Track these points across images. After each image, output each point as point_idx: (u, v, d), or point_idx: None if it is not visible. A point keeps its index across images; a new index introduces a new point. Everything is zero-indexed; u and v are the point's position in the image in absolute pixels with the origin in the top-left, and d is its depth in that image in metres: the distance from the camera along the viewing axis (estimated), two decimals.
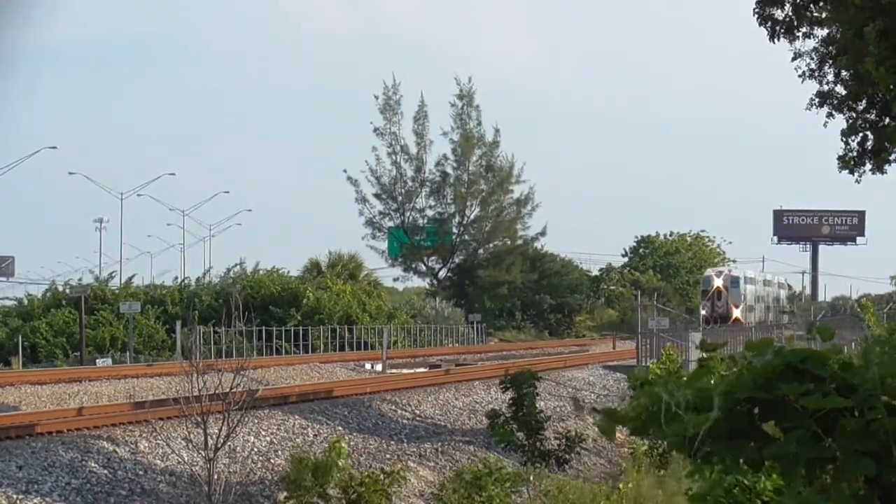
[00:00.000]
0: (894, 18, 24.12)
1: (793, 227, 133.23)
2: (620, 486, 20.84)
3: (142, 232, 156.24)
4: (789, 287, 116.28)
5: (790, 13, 26.67)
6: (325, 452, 19.18)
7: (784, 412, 3.15)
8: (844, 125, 27.57)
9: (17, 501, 17.60)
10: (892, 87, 24.77)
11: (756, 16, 26.80)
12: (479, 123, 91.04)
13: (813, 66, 27.97)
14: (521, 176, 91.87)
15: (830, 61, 27.58)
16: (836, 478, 3.20)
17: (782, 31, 26.80)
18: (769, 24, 26.76)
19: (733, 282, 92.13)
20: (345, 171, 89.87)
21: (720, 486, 6.96)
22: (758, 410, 3.11)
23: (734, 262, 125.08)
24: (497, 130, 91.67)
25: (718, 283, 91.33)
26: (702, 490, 6.95)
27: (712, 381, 3.16)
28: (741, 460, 3.14)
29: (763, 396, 3.06)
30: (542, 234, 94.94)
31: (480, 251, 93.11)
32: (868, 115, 27.62)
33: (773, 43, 26.99)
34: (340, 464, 18.59)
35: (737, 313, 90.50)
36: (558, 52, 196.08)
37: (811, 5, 26.74)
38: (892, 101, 25.72)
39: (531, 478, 22.15)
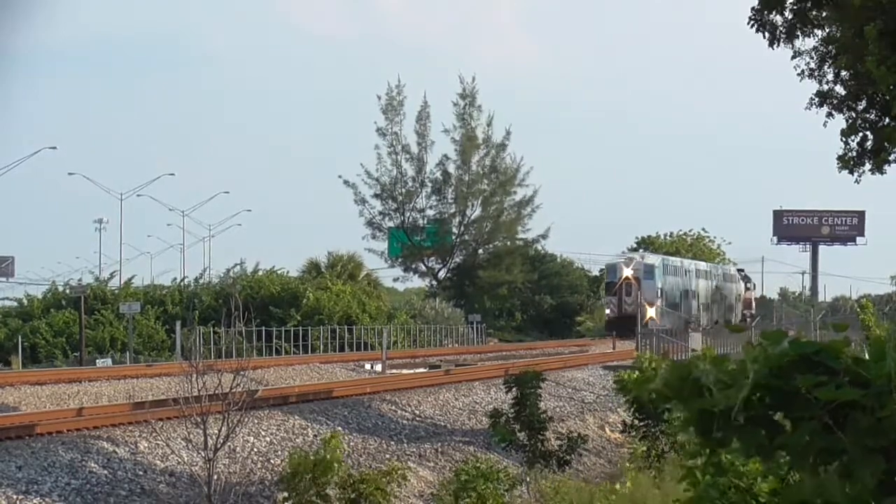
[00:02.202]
0: (895, 17, 24.10)
1: (793, 228, 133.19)
2: (618, 485, 20.82)
3: (141, 232, 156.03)
4: (748, 280, 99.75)
5: (791, 18, 26.60)
6: (318, 450, 19.15)
7: (796, 403, 3.14)
8: (844, 125, 27.54)
9: (17, 502, 17.58)
10: (892, 86, 24.75)
11: (754, 22, 26.72)
12: (489, 124, 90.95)
13: (812, 65, 27.94)
14: (526, 179, 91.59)
15: (830, 61, 27.55)
16: (844, 472, 3.18)
17: (783, 36, 26.75)
18: (768, 29, 26.70)
19: (647, 272, 73.62)
20: (340, 176, 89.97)
21: (714, 488, 6.91)
22: (769, 399, 3.11)
23: (734, 263, 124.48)
24: (508, 133, 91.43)
25: (627, 272, 73.59)
26: (697, 493, 6.90)
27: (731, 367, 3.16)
28: (752, 448, 3.13)
29: (777, 385, 3.05)
30: (545, 236, 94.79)
31: (480, 251, 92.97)
32: (868, 115, 27.59)
33: (773, 49, 26.94)
34: (336, 466, 18.56)
35: (651, 313, 72.17)
36: (558, 53, 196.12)
37: (812, 10, 26.70)
38: (892, 100, 25.68)
39: (527, 479, 22.13)
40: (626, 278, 73.92)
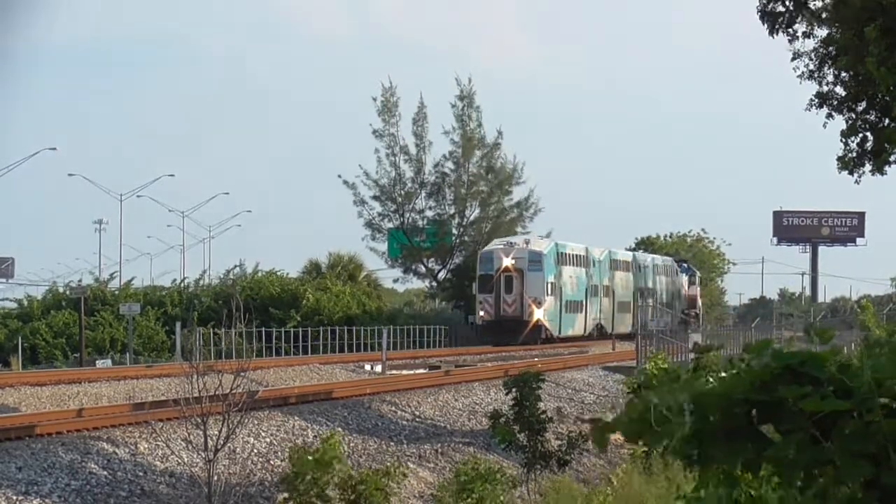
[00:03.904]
0: (895, 18, 24.14)
1: (792, 229, 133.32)
2: (613, 480, 20.84)
3: (141, 233, 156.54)
4: (691, 272, 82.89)
5: (790, 6, 26.73)
6: (318, 449, 19.18)
7: (782, 415, 3.16)
8: (844, 126, 27.58)
9: (17, 502, 17.61)
10: (892, 87, 24.78)
11: (759, 13, 26.88)
12: (480, 125, 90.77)
13: (812, 66, 27.99)
14: (522, 178, 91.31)
15: (830, 62, 27.60)
16: (834, 481, 3.21)
17: (783, 25, 26.85)
18: (770, 18, 26.82)
19: (533, 261, 58.28)
20: (339, 176, 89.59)
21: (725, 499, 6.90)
22: (755, 413, 3.13)
23: (733, 264, 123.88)
24: (500, 133, 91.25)
25: (507, 262, 58.67)
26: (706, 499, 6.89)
27: (709, 384, 3.17)
28: (739, 462, 3.16)
29: (761, 398, 3.07)
30: (547, 235, 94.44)
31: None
32: (868, 116, 27.62)
33: (773, 37, 27.01)
34: (335, 464, 18.59)
35: (539, 315, 58.06)
36: (558, 53, 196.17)
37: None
38: (892, 101, 25.72)
39: (524, 481, 22.17)
40: (506, 269, 58.28)
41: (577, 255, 64.12)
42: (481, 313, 59.33)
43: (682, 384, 3.11)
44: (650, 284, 73.09)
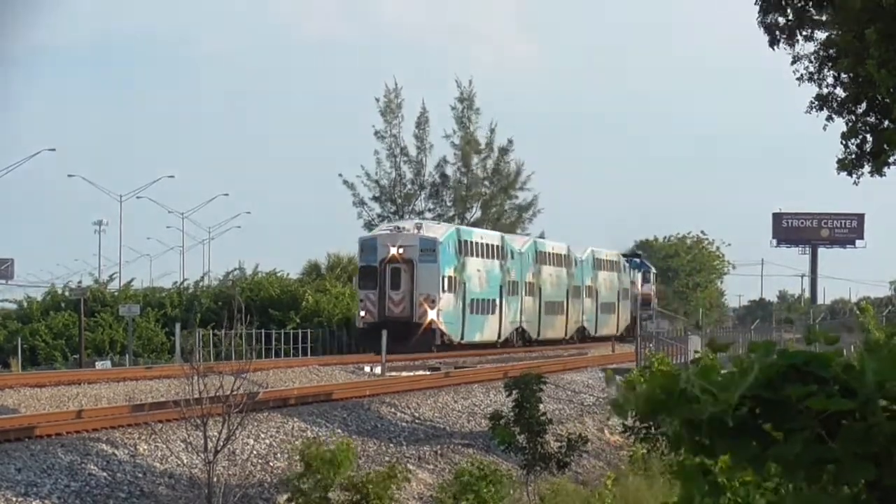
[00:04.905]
0: (895, 19, 24.14)
1: (792, 230, 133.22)
2: (609, 483, 20.84)
3: (141, 234, 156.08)
4: (644, 268, 73.37)
5: (791, 17, 26.72)
6: (330, 448, 19.24)
7: (786, 413, 3.17)
8: (844, 128, 27.56)
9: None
10: (892, 89, 24.77)
11: (760, 25, 26.88)
12: (494, 130, 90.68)
13: (812, 69, 27.97)
14: (528, 183, 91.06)
15: (830, 64, 27.58)
16: (835, 481, 3.22)
17: (784, 36, 26.85)
18: (770, 30, 26.81)
19: (426, 250, 48.35)
20: (340, 175, 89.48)
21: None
22: (759, 410, 3.14)
23: (732, 266, 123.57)
24: (510, 141, 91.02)
25: (394, 251, 48.76)
26: None
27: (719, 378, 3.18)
28: (744, 459, 3.16)
29: (768, 396, 3.08)
30: (541, 237, 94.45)
31: None
32: (868, 119, 27.61)
33: (774, 50, 27.05)
34: (347, 464, 18.67)
35: (433, 315, 49.11)
36: (557, 56, 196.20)
37: (811, 9, 26.83)
38: (892, 103, 25.70)
39: (525, 482, 22.19)
40: (392, 259, 48.39)
41: (487, 245, 53.68)
42: (362, 314, 49.99)
43: (698, 374, 3.11)
44: (588, 281, 64.41)
